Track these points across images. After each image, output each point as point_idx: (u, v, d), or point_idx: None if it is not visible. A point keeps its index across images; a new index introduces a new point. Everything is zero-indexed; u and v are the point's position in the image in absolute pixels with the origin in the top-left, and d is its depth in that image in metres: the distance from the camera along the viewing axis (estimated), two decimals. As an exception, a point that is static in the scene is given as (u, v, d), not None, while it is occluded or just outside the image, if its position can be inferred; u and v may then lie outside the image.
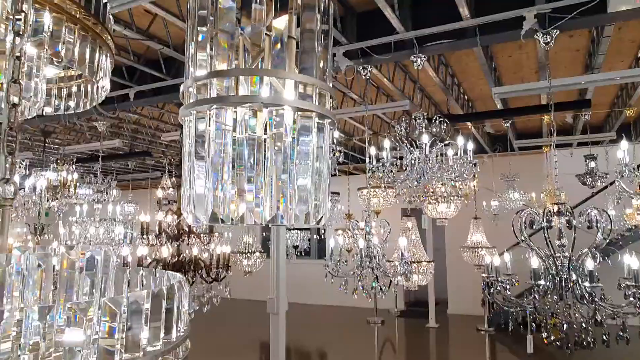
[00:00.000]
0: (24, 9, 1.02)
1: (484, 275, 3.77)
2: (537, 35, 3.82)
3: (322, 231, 10.20)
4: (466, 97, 7.18)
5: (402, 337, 9.65)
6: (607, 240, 3.09)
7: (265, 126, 0.76)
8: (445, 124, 4.16)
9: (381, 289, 4.05)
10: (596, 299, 3.00)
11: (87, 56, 1.29)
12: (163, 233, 4.66)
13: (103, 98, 1.57)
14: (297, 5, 0.80)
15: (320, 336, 9.66)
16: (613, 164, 7.73)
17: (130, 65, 5.43)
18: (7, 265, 0.82)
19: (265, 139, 0.75)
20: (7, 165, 0.96)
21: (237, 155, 0.75)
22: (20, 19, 1.01)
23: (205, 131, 0.75)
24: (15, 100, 0.99)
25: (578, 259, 3.19)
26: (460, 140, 3.86)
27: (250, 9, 0.79)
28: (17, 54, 1.01)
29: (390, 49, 4.42)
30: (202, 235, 4.77)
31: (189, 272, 4.29)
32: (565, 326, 3.09)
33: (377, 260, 4.17)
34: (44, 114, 1.53)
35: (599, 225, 3.07)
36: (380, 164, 4.10)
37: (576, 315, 3.10)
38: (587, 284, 3.07)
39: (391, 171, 4.13)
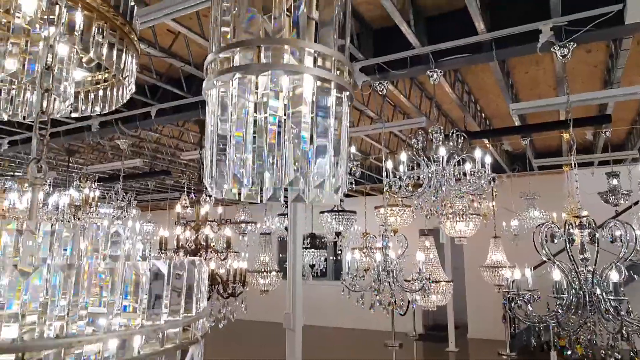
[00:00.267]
0: (58, 2, 1.08)
1: (505, 290, 3.70)
2: (553, 48, 3.83)
3: (339, 251, 10.11)
4: (483, 114, 7.17)
5: (421, 361, 9.41)
6: (631, 256, 3.00)
7: (285, 98, 0.78)
8: (462, 138, 4.15)
9: (397, 302, 3.99)
10: (622, 312, 2.90)
11: (115, 55, 1.35)
12: (181, 248, 4.73)
13: (128, 98, 1.63)
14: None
15: (337, 358, 9.49)
16: (636, 183, 7.61)
17: (152, 84, 5.59)
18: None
19: (285, 110, 0.78)
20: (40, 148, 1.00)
21: (259, 126, 0.77)
22: (54, 12, 1.07)
23: (228, 100, 0.78)
24: (47, 85, 1.05)
25: (602, 273, 3.11)
26: (477, 152, 3.85)
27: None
28: (51, 44, 1.07)
29: (406, 65, 4.47)
30: (219, 252, 4.81)
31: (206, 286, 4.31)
32: (589, 342, 3.00)
33: (394, 274, 4.13)
34: (71, 115, 1.59)
35: (622, 239, 3.00)
36: (397, 177, 4.10)
37: (601, 330, 3.01)
38: (612, 297, 2.98)
39: (408, 185, 4.12)
